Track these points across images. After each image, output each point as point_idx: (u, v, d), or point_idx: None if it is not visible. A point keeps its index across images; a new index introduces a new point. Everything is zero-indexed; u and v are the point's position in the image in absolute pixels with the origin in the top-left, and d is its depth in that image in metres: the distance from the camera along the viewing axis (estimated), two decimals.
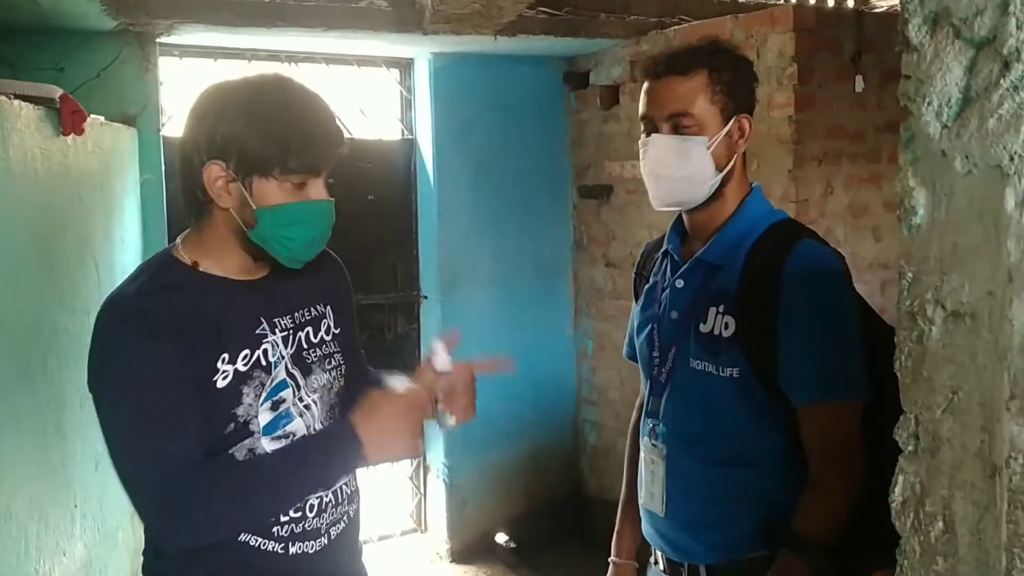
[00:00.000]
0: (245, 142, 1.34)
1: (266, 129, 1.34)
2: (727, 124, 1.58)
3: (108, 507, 2.63)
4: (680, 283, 1.66)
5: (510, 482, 4.49)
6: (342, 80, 4.20)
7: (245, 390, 1.40)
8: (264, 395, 1.42)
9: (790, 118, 3.34)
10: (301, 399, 1.47)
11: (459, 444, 4.31)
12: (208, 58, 3.88)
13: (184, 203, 1.45)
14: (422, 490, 4.55)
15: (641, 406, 1.78)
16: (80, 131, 2.33)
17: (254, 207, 1.37)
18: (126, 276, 1.47)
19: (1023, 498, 0.68)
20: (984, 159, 0.72)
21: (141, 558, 1.48)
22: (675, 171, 1.58)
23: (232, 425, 1.40)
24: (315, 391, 1.50)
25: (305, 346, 1.50)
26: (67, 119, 2.25)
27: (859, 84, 3.41)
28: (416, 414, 1.42)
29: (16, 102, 1.94)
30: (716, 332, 1.57)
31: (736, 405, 1.56)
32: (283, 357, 1.46)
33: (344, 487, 1.53)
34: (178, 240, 1.47)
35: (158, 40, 3.57)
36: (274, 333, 1.46)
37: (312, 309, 1.54)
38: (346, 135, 1.47)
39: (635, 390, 1.88)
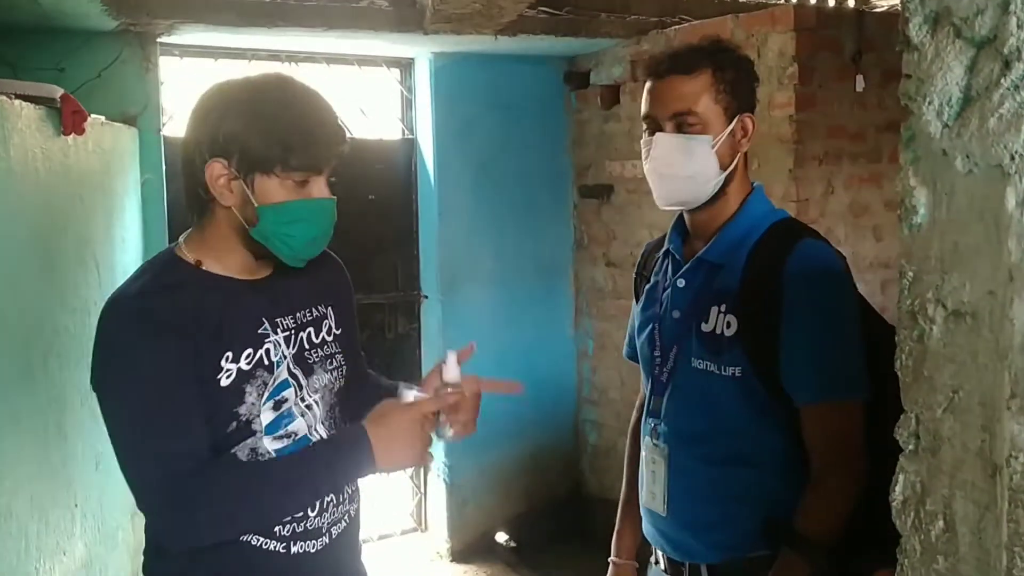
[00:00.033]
0: (247, 140, 1.34)
1: (268, 127, 1.34)
2: (730, 123, 1.58)
3: (108, 507, 2.63)
4: (682, 282, 1.66)
5: (510, 481, 4.49)
6: (343, 80, 4.20)
7: (248, 389, 1.41)
8: (267, 394, 1.43)
9: (791, 118, 3.34)
10: (303, 399, 1.47)
11: (459, 444, 4.21)
12: (209, 58, 3.88)
13: (186, 202, 1.45)
14: (422, 489, 4.55)
15: (642, 406, 1.78)
16: (81, 131, 2.33)
17: (256, 205, 1.37)
18: (127, 276, 1.47)
19: (1023, 497, 0.68)
20: (985, 158, 0.72)
21: (141, 558, 1.48)
22: (679, 170, 1.58)
23: (234, 424, 1.40)
24: (317, 391, 1.50)
25: (307, 346, 1.50)
26: (68, 119, 2.25)
27: (860, 84, 3.41)
28: (427, 424, 1.44)
29: (17, 102, 1.94)
30: (718, 331, 1.57)
31: (738, 404, 1.56)
32: (285, 357, 1.46)
33: (346, 487, 1.53)
34: (181, 239, 1.48)
35: (159, 40, 3.57)
36: (276, 333, 1.46)
37: (314, 310, 1.54)
38: (347, 134, 1.48)
39: (636, 390, 1.88)
